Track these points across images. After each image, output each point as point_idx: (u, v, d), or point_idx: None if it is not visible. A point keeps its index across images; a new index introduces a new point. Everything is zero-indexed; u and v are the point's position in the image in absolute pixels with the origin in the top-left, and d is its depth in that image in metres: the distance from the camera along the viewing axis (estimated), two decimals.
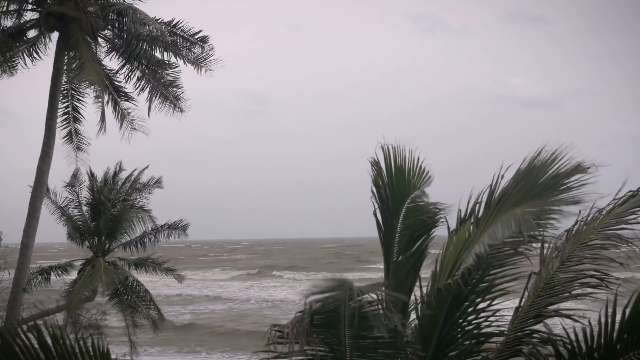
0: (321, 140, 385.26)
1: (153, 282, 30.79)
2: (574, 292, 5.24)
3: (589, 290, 5.19)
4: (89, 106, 20.91)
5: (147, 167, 24.32)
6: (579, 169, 5.27)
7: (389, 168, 5.84)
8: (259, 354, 5.12)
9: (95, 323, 21.99)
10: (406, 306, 5.87)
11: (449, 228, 5.96)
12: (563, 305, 5.33)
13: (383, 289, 4.80)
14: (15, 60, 19.53)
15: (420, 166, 5.93)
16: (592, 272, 5.19)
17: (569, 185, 5.32)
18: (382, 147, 5.83)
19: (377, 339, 5.16)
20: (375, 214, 5.88)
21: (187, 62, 20.00)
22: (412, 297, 5.90)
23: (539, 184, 5.44)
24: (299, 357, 5.06)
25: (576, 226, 5.51)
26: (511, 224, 5.04)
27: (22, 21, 19.14)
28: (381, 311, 4.80)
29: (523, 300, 5.49)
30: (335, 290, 4.58)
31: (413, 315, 5.84)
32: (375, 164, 5.85)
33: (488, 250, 5.13)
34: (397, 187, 5.84)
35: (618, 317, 4.70)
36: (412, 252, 5.83)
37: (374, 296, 4.71)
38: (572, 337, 4.85)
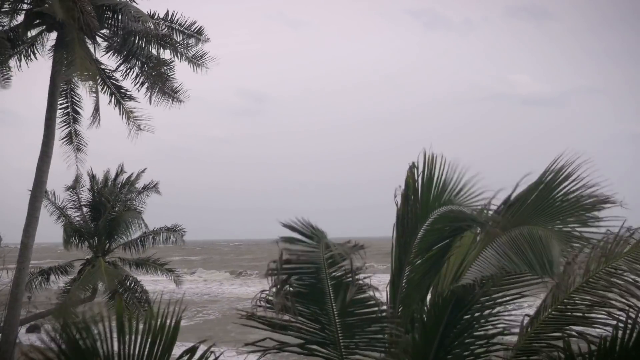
0: (321, 140, 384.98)
1: None
2: (601, 321, 5.22)
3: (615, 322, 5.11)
4: (89, 106, 20.91)
5: (144, 170, 24.35)
6: (602, 201, 5.29)
7: (429, 173, 5.81)
8: (244, 319, 5.20)
9: None
10: (423, 304, 5.88)
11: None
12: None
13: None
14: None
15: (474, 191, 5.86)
16: (625, 307, 5.09)
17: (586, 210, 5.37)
18: (425, 153, 5.91)
19: (362, 316, 5.36)
20: (397, 213, 5.90)
21: (183, 59, 20.09)
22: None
23: (553, 203, 5.47)
24: (288, 329, 5.22)
25: (601, 243, 5.46)
26: (531, 253, 4.92)
27: (19, 22, 19.18)
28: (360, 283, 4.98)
29: (541, 310, 5.48)
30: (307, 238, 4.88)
31: None
32: (413, 166, 5.94)
33: (507, 268, 5.05)
34: (435, 194, 5.81)
35: None
36: (433, 253, 5.86)
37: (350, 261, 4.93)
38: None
